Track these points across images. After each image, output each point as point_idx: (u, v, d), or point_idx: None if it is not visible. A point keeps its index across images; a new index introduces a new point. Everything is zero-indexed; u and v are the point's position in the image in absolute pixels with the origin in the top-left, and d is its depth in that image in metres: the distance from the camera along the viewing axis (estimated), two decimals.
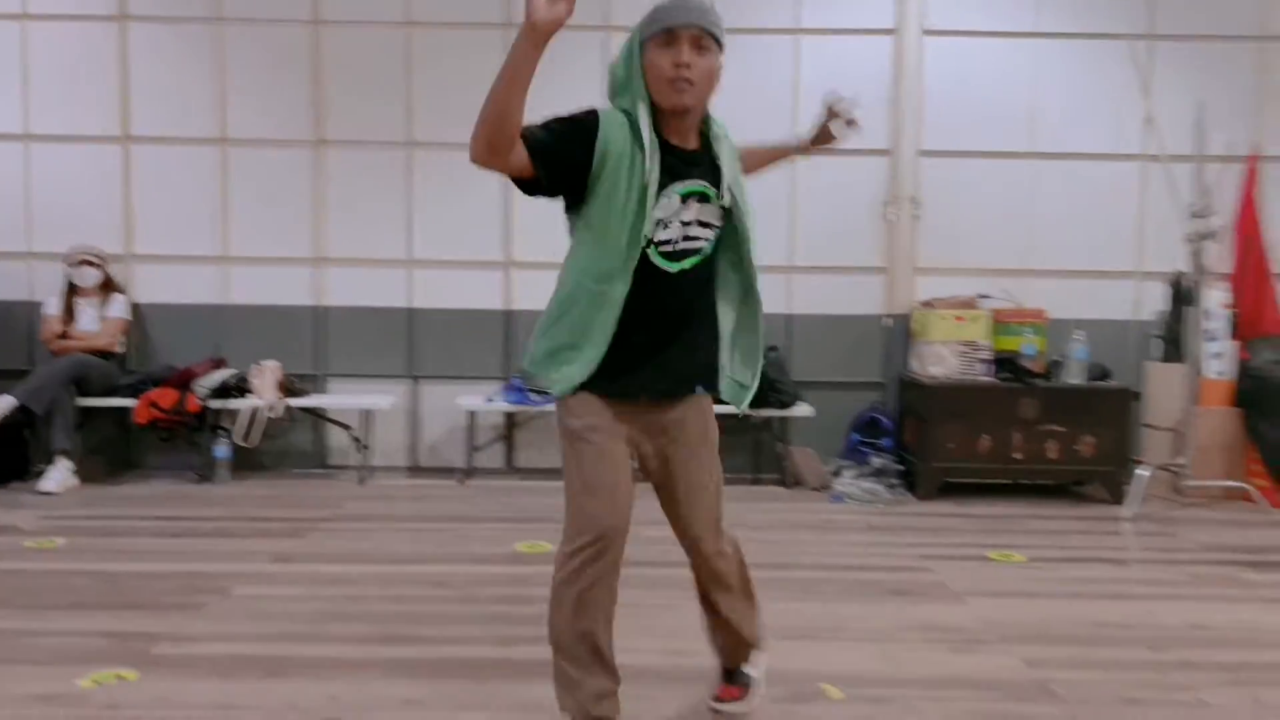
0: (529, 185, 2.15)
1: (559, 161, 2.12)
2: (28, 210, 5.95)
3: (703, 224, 2.28)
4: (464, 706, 2.69)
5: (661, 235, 2.22)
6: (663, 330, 2.28)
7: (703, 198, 2.26)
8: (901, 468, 5.64)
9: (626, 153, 2.16)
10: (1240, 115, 5.92)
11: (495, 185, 5.93)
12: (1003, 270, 5.93)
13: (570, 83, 5.71)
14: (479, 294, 5.98)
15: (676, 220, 2.23)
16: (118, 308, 5.76)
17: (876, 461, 5.63)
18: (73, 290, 5.72)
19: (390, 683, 2.84)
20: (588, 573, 2.18)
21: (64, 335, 5.65)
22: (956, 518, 5.09)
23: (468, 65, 5.86)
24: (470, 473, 5.87)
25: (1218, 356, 5.70)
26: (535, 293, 5.90)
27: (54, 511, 4.87)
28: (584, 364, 2.22)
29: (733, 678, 2.61)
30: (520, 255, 5.96)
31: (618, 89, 2.25)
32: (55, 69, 5.92)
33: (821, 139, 2.69)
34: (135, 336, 5.95)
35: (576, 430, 2.25)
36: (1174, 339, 5.69)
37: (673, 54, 2.15)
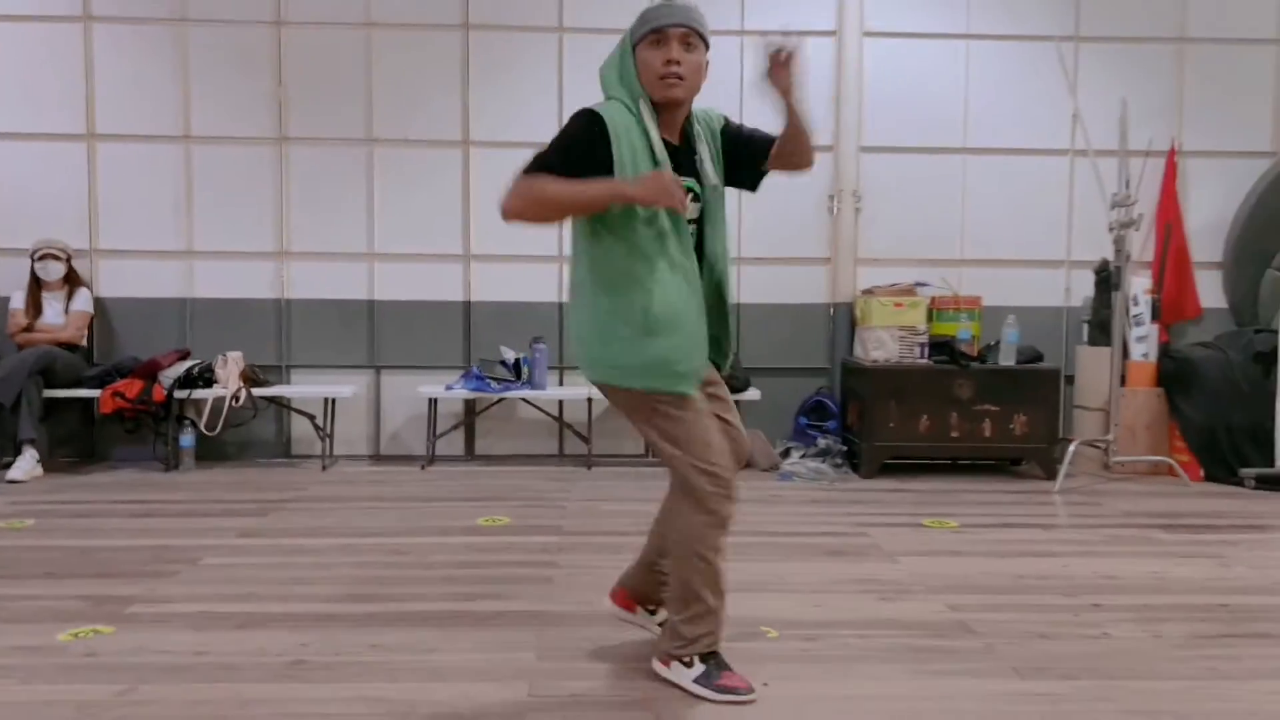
0: None
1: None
2: None
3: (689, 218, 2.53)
4: (428, 649, 2.88)
5: (665, 227, 2.47)
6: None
7: (692, 193, 2.52)
8: (846, 448, 5.90)
9: (638, 142, 2.42)
10: (1160, 113, 6.28)
11: (455, 181, 6.13)
12: (940, 260, 6.23)
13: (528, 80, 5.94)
14: (439, 286, 6.17)
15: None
16: (82, 301, 5.88)
17: (822, 442, 5.89)
18: (37, 284, 5.83)
19: (356, 632, 3.03)
20: None
21: (29, 328, 5.76)
22: (897, 492, 5.35)
23: (426, 64, 6.06)
24: (432, 459, 6.05)
25: (1142, 340, 6.03)
26: (493, 285, 6.12)
27: (22, 497, 4.98)
28: None
29: (652, 613, 2.88)
30: (479, 249, 6.15)
31: (612, 87, 2.48)
32: (20, 68, 6.04)
33: (779, 91, 2.44)
34: (100, 330, 6.07)
35: None
36: (1101, 324, 6.00)
37: (663, 52, 2.39)
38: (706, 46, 2.49)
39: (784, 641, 2.98)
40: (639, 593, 2.88)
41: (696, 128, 2.56)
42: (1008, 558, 4.01)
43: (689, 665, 2.56)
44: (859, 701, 2.54)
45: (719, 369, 2.71)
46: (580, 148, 2.38)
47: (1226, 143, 6.29)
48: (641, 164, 2.41)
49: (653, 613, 2.89)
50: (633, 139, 2.42)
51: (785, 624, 3.14)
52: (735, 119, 2.69)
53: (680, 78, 2.40)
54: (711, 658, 2.57)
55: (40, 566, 3.73)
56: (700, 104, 2.62)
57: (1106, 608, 3.36)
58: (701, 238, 2.59)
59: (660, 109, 2.46)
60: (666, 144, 2.48)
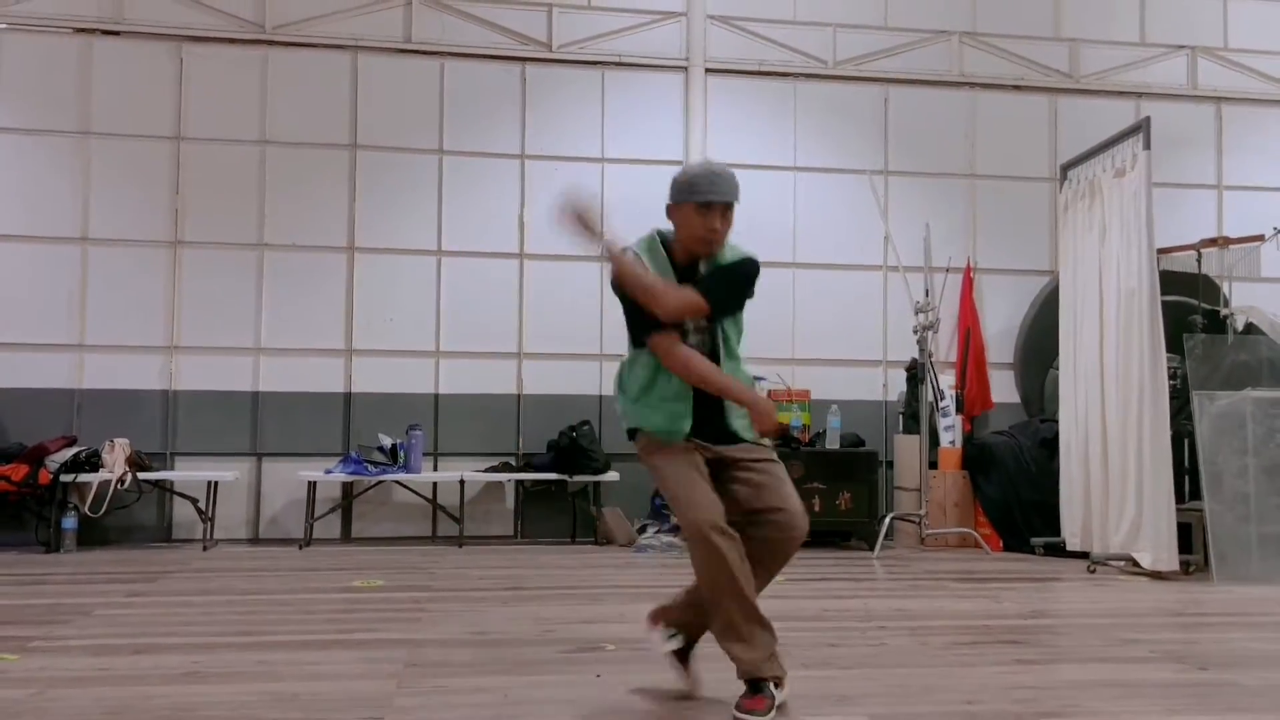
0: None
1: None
2: None
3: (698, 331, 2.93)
4: (310, 662, 3.33)
5: (692, 340, 2.90)
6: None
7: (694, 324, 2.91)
8: None
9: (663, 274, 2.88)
10: (958, 235, 7.38)
11: (340, 282, 6.71)
12: (775, 359, 7.07)
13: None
14: (322, 378, 6.67)
15: (689, 328, 2.89)
16: None
17: (674, 520, 6.52)
18: None
19: (245, 653, 3.45)
20: None
21: None
22: None
23: (317, 179, 6.71)
24: (309, 540, 6.42)
25: (949, 429, 6.94)
26: (373, 376, 6.65)
27: None
28: None
29: (756, 687, 2.83)
30: (360, 344, 6.70)
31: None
32: None
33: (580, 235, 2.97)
34: None
35: None
36: (913, 414, 6.90)
37: (708, 220, 2.82)
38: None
39: (619, 652, 3.55)
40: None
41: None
42: (819, 599, 4.68)
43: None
44: (670, 686, 3.13)
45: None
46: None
47: (1012, 262, 7.42)
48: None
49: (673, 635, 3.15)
50: (664, 269, 2.88)
51: (622, 641, 3.71)
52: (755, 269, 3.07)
53: (719, 242, 2.88)
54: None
55: None
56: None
57: (890, 629, 4.04)
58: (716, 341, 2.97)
59: (691, 255, 2.90)
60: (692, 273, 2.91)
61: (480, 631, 3.86)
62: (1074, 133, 7.38)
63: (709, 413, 2.92)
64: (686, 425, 2.91)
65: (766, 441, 3.03)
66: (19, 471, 5.86)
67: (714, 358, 2.93)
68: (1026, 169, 7.49)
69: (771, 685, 2.82)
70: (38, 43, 6.58)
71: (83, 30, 6.63)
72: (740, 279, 2.96)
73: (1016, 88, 7.54)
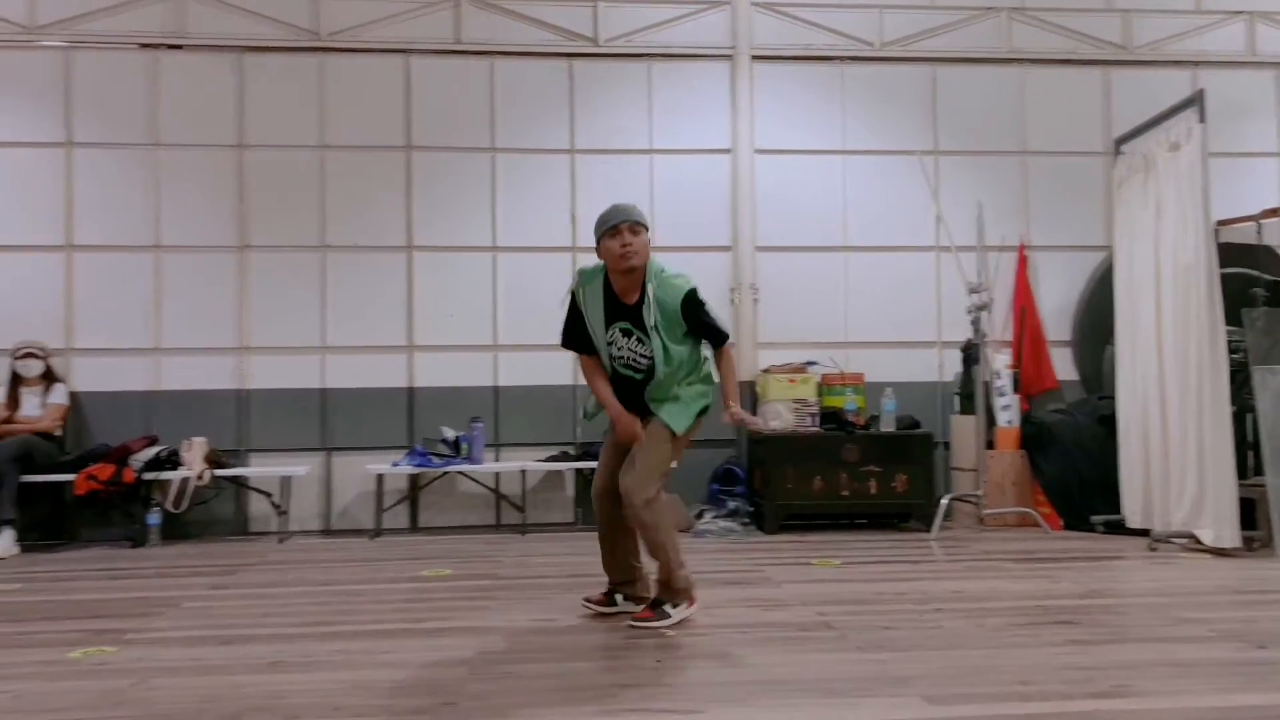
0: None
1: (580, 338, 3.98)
2: None
3: (641, 353, 3.84)
4: (384, 652, 3.51)
5: (615, 353, 3.88)
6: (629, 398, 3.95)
7: (637, 337, 3.82)
8: (752, 509, 6.65)
9: (595, 301, 3.87)
10: (1010, 214, 7.33)
11: (400, 281, 6.91)
12: (829, 342, 7.11)
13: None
14: (385, 374, 6.88)
15: (622, 344, 3.85)
16: (58, 395, 6.46)
17: (731, 504, 6.63)
18: (17, 380, 6.41)
19: (323, 644, 3.65)
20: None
21: (9, 420, 6.31)
22: (794, 543, 6.08)
23: (375, 181, 6.90)
24: (379, 531, 6.64)
25: (1006, 409, 6.93)
26: (435, 371, 6.84)
27: (3, 570, 5.47)
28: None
29: (653, 605, 3.92)
30: (421, 340, 6.89)
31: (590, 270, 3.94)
32: (6, 188, 6.73)
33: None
34: (74, 421, 6.64)
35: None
36: (968, 395, 6.90)
37: (620, 240, 3.74)
38: (646, 229, 3.81)
39: (679, 638, 3.68)
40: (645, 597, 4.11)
41: (650, 290, 3.79)
42: (875, 582, 4.75)
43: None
44: (730, 671, 3.24)
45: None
46: (570, 319, 3.98)
47: (1067, 238, 7.35)
48: (595, 315, 3.86)
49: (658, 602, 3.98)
50: (596, 296, 3.85)
51: (681, 628, 3.83)
52: (698, 297, 3.84)
53: (634, 253, 3.74)
54: None
55: (37, 613, 4.27)
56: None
57: (947, 611, 4.11)
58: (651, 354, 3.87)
59: (620, 278, 3.80)
60: (623, 303, 3.83)
61: (545, 618, 4.01)
62: (1128, 105, 7.28)
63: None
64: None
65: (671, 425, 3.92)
66: (105, 471, 6.16)
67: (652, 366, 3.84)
68: (1079, 143, 7.41)
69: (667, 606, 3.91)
70: (107, 59, 6.85)
71: (148, 45, 6.88)
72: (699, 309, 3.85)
73: (1067, 61, 7.45)
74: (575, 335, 3.96)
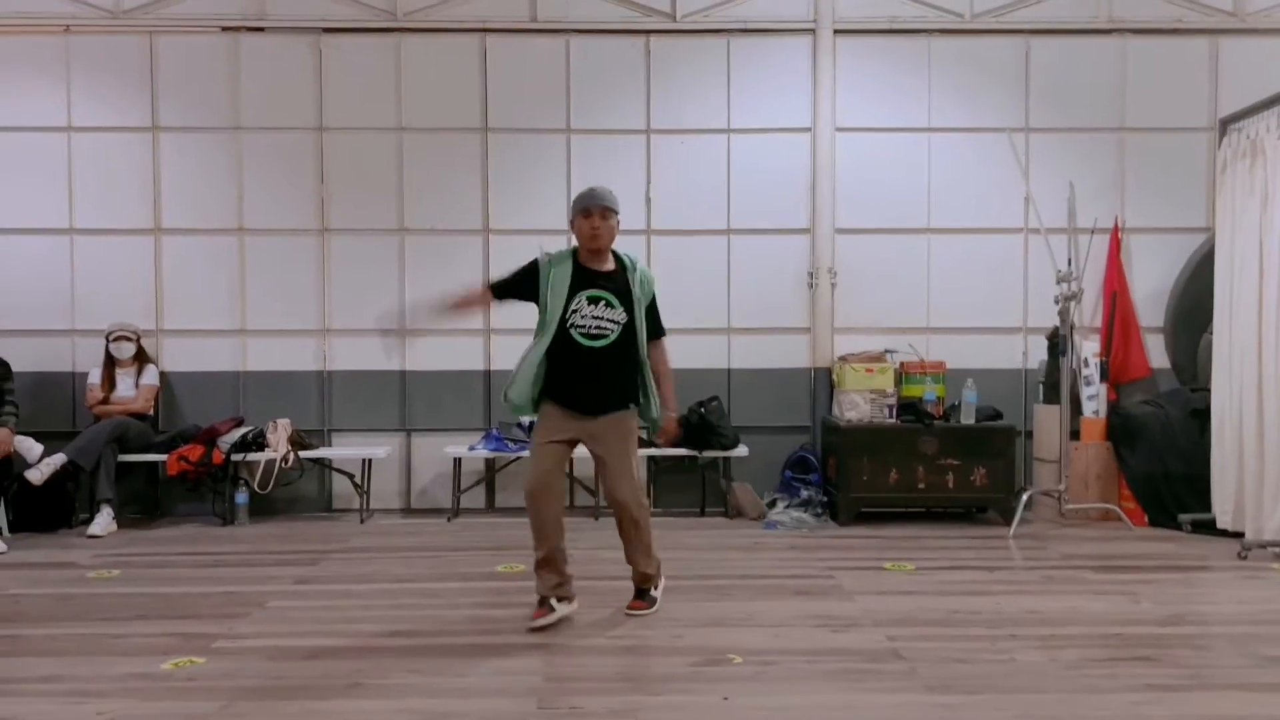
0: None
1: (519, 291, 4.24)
2: (71, 293, 6.91)
3: (610, 318, 4.10)
4: (457, 674, 3.60)
5: (577, 321, 4.07)
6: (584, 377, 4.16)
7: (606, 302, 4.08)
8: (826, 499, 6.60)
9: (563, 275, 4.09)
10: (1104, 194, 7.01)
11: (476, 264, 6.93)
12: (908, 328, 6.95)
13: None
14: (463, 357, 6.95)
15: (586, 312, 4.08)
16: (150, 376, 6.69)
17: (805, 494, 6.59)
18: (111, 361, 6.65)
19: (399, 660, 3.76)
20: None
21: (104, 400, 6.57)
22: (867, 539, 6.03)
23: (451, 163, 6.91)
24: (457, 512, 6.78)
25: (1093, 399, 6.71)
26: (510, 354, 6.87)
27: (104, 551, 5.75)
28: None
29: (641, 595, 4.38)
30: (498, 323, 6.94)
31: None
32: (96, 172, 6.92)
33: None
34: (165, 401, 6.88)
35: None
36: (1053, 384, 6.69)
37: (591, 222, 4.07)
38: (616, 214, 4.13)
39: (746, 666, 3.69)
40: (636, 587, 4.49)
41: (628, 265, 4.19)
42: (949, 595, 4.69)
43: None
44: (796, 711, 3.24)
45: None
46: (519, 278, 4.21)
47: (1165, 220, 7.01)
48: (560, 287, 4.07)
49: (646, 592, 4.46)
50: (565, 271, 4.08)
51: (748, 652, 3.84)
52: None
53: (601, 234, 4.08)
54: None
55: (133, 610, 4.49)
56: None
57: (1020, 637, 4.04)
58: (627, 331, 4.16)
59: (592, 255, 4.13)
60: (600, 272, 4.13)
61: (615, 636, 4.05)
62: (1238, 78, 6.85)
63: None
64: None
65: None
66: (195, 452, 6.39)
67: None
68: (1182, 119, 7.01)
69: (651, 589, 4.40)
70: (189, 43, 6.94)
71: (229, 29, 6.94)
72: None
73: (1173, 31, 7.02)
74: (516, 288, 4.20)
